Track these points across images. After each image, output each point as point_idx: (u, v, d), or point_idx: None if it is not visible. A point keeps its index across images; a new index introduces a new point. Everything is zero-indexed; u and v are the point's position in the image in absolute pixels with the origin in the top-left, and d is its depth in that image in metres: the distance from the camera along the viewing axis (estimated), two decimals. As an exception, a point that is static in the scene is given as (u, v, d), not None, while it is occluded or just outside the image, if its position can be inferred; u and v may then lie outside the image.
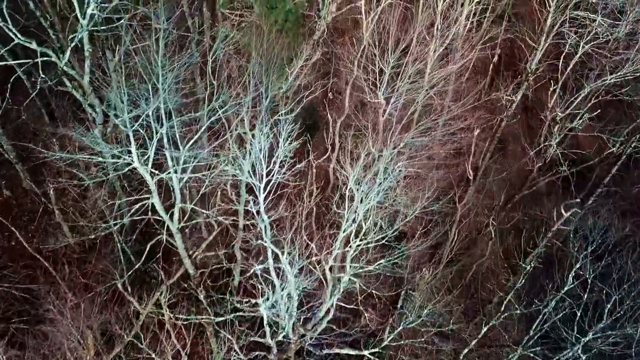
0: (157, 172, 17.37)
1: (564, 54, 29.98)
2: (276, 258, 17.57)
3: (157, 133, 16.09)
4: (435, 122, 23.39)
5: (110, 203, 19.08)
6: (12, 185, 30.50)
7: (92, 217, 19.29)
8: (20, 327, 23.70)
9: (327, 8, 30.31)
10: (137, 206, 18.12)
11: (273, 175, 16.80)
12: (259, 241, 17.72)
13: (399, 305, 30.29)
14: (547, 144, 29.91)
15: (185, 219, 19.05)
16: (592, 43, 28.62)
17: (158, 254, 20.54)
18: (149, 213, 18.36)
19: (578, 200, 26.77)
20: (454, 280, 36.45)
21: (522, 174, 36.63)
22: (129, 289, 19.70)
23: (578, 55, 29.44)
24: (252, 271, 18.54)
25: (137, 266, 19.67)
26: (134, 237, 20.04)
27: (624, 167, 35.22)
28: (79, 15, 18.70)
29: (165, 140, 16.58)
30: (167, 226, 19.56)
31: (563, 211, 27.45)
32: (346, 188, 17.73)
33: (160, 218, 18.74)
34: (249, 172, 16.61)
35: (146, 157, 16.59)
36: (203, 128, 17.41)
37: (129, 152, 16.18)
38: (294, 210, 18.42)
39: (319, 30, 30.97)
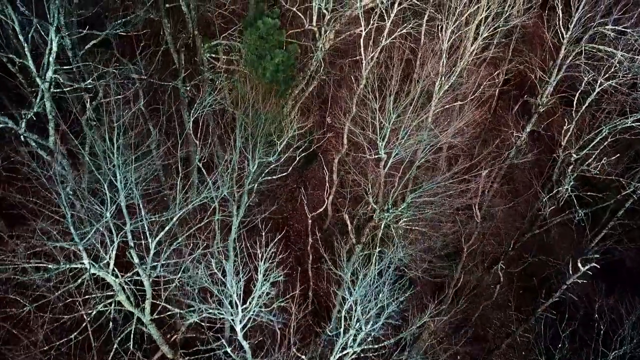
0: (118, 278, 15.15)
1: (579, 91, 27.63)
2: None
3: (117, 236, 13.96)
4: (440, 182, 21.12)
5: (74, 300, 16.84)
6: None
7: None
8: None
9: (325, 38, 28.13)
10: (100, 307, 15.97)
11: (251, 311, 14.64)
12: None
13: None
14: (560, 189, 27.61)
15: (160, 308, 16.90)
16: (611, 81, 26.26)
17: (140, 341, 18.32)
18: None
19: (597, 255, 24.52)
20: (460, 320, 34.57)
21: (532, 214, 34.48)
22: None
23: (595, 92, 27.13)
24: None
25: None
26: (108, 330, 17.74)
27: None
28: (38, 80, 16.46)
29: (129, 237, 14.43)
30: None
31: (580, 265, 25.35)
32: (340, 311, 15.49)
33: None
34: (223, 306, 14.45)
35: (106, 260, 14.46)
36: (174, 221, 15.19)
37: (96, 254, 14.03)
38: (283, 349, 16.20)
39: (316, 61, 28.77)
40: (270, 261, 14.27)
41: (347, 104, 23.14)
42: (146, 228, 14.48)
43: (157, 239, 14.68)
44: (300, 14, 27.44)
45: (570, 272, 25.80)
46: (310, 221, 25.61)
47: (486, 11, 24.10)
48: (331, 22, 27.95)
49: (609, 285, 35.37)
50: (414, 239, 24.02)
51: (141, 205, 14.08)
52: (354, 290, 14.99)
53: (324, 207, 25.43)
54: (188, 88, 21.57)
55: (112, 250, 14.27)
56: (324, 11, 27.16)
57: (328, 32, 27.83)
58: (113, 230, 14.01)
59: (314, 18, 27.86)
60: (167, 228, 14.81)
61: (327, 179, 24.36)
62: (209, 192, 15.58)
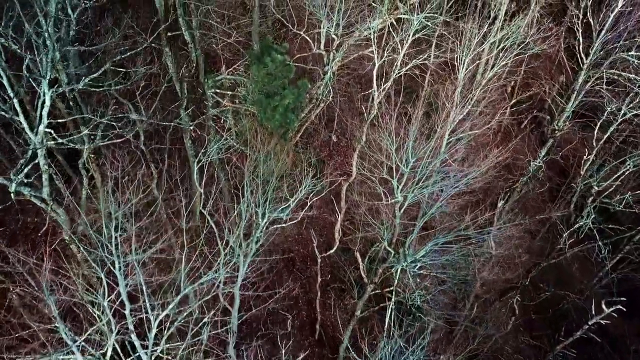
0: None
1: (600, 120, 26.35)
2: None
3: (115, 327, 12.72)
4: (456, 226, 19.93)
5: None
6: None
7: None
8: None
9: (334, 65, 26.89)
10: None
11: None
12: None
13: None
14: (580, 222, 26.36)
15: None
16: (636, 110, 24.96)
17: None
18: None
19: (624, 298, 23.22)
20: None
21: (548, 242, 33.18)
22: None
23: (618, 123, 25.86)
24: None
25: None
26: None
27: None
28: (29, 133, 15.22)
29: (129, 321, 13.18)
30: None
31: (604, 307, 24.06)
32: None
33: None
34: None
35: (104, 350, 13.23)
36: (177, 299, 13.93)
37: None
38: None
39: (324, 86, 27.52)
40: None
41: (357, 135, 21.91)
42: (151, 318, 13.20)
43: (160, 317, 13.47)
44: (308, 38, 26.20)
45: (593, 312, 24.56)
46: (319, 260, 24.38)
47: (505, 41, 22.83)
48: (340, 47, 26.72)
49: (625, 313, 34.16)
50: (430, 286, 22.84)
51: (146, 296, 12.85)
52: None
53: (334, 249, 24.24)
54: (192, 127, 20.30)
55: (110, 343, 13.00)
56: (333, 36, 25.91)
57: (338, 57, 26.60)
58: (111, 319, 12.80)
59: (322, 42, 26.63)
60: (170, 307, 13.56)
61: (335, 208, 23.12)
62: (217, 270, 14.38)
